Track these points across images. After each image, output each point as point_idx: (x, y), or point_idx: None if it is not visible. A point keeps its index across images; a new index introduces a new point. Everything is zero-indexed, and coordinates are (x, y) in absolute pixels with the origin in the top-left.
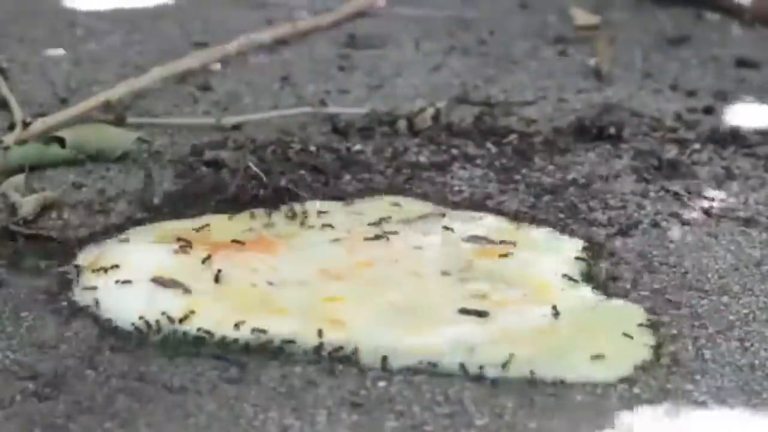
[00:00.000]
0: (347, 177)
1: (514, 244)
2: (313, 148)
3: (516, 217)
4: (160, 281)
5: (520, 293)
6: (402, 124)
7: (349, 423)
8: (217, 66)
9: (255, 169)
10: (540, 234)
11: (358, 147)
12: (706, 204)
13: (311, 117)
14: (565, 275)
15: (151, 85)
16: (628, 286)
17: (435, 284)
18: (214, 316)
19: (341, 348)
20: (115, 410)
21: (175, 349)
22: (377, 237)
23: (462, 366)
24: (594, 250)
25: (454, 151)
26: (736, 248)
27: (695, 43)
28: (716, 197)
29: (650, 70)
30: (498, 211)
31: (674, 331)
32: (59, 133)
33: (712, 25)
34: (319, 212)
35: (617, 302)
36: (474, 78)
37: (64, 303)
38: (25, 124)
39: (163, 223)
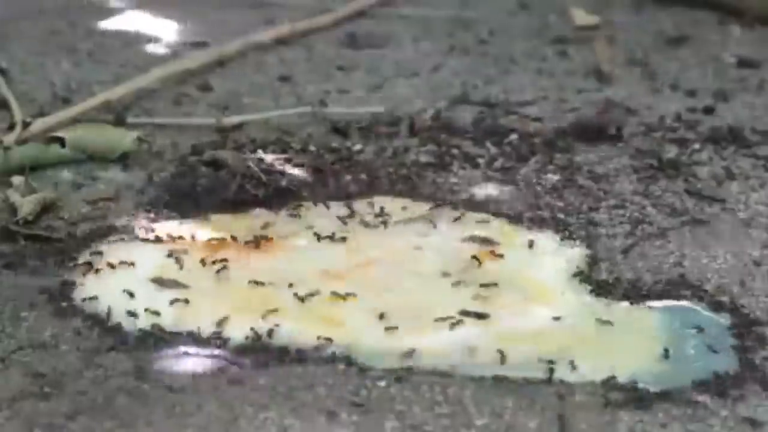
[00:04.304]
0: (347, 177)
1: (513, 245)
2: (313, 148)
3: (516, 217)
4: (160, 281)
5: (519, 294)
6: (402, 124)
7: (349, 423)
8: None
9: (255, 168)
10: (540, 234)
11: (358, 147)
12: (706, 204)
13: (311, 117)
14: (565, 276)
15: (151, 85)
16: (628, 286)
17: (435, 285)
18: (214, 316)
19: (341, 348)
20: (115, 410)
21: (175, 348)
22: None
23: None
24: (594, 251)
25: (454, 151)
26: (736, 248)
27: (695, 43)
28: (716, 197)
29: (650, 70)
30: (498, 212)
31: (675, 332)
32: (59, 133)
33: (712, 25)
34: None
35: (617, 303)
36: (474, 78)
37: (64, 303)
38: (25, 124)
39: (164, 223)
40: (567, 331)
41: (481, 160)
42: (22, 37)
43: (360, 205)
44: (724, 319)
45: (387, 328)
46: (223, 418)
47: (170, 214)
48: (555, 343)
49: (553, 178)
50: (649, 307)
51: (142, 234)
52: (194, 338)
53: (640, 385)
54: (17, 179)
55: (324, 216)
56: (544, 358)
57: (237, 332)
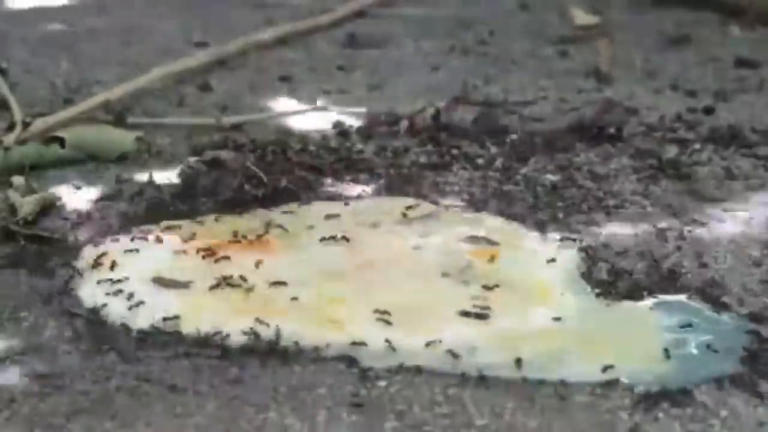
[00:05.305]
0: (347, 177)
1: (513, 245)
2: (313, 148)
3: (516, 217)
4: (160, 281)
5: (520, 295)
6: (402, 124)
7: (349, 423)
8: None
9: (255, 168)
10: (540, 235)
11: (358, 147)
12: (706, 204)
13: (311, 117)
14: (565, 276)
15: (151, 85)
16: (629, 286)
17: (435, 285)
18: (214, 316)
19: (341, 348)
20: (115, 410)
21: (175, 348)
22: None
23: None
24: (594, 251)
25: (454, 151)
26: (736, 248)
27: (695, 43)
28: (716, 197)
29: (650, 70)
30: (498, 212)
31: (675, 332)
32: (59, 133)
33: (712, 25)
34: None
35: (617, 303)
36: (474, 78)
37: (64, 303)
38: (25, 124)
39: (164, 223)
40: (567, 331)
41: (481, 160)
42: (22, 38)
43: (360, 205)
44: (725, 319)
45: (387, 329)
46: (223, 418)
47: (170, 214)
48: (555, 344)
49: (553, 178)
50: (649, 307)
51: (142, 234)
52: (194, 338)
53: (641, 385)
54: (17, 179)
55: (324, 216)
56: (544, 359)
57: (237, 332)
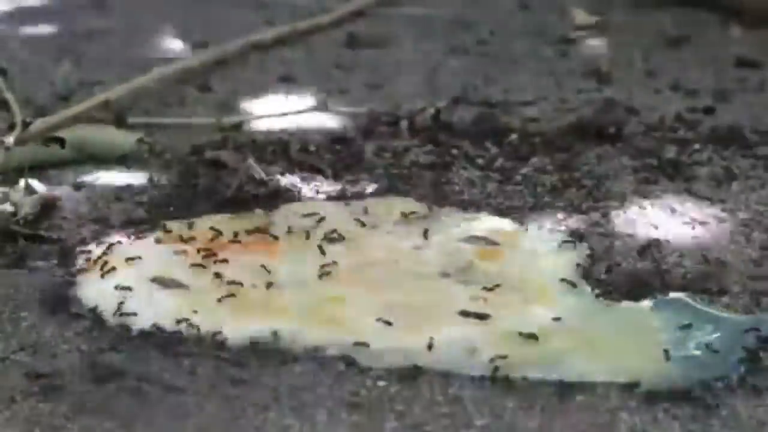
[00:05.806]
0: (347, 177)
1: (513, 245)
2: (313, 148)
3: (516, 217)
4: (160, 281)
5: (520, 295)
6: (403, 124)
7: (349, 423)
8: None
9: (256, 166)
10: (540, 235)
11: (358, 147)
12: (705, 204)
13: (311, 117)
14: (565, 276)
15: (151, 85)
16: (628, 286)
17: (435, 285)
18: (214, 316)
19: (341, 348)
20: (115, 410)
21: (176, 349)
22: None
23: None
24: (594, 251)
25: (454, 151)
26: (736, 248)
27: (695, 43)
28: (716, 197)
29: (650, 70)
30: (498, 211)
31: (675, 332)
32: (59, 133)
33: (712, 25)
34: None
35: (617, 303)
36: (474, 78)
37: (64, 303)
38: (25, 124)
39: (164, 223)
40: (567, 332)
41: (481, 160)
42: (22, 38)
43: (360, 205)
44: (725, 319)
45: (387, 329)
46: (223, 418)
47: (170, 214)
48: (555, 344)
49: (553, 178)
50: (649, 307)
51: (142, 234)
52: (194, 338)
53: (641, 385)
54: (18, 180)
55: (323, 216)
56: (544, 359)
57: (237, 332)
